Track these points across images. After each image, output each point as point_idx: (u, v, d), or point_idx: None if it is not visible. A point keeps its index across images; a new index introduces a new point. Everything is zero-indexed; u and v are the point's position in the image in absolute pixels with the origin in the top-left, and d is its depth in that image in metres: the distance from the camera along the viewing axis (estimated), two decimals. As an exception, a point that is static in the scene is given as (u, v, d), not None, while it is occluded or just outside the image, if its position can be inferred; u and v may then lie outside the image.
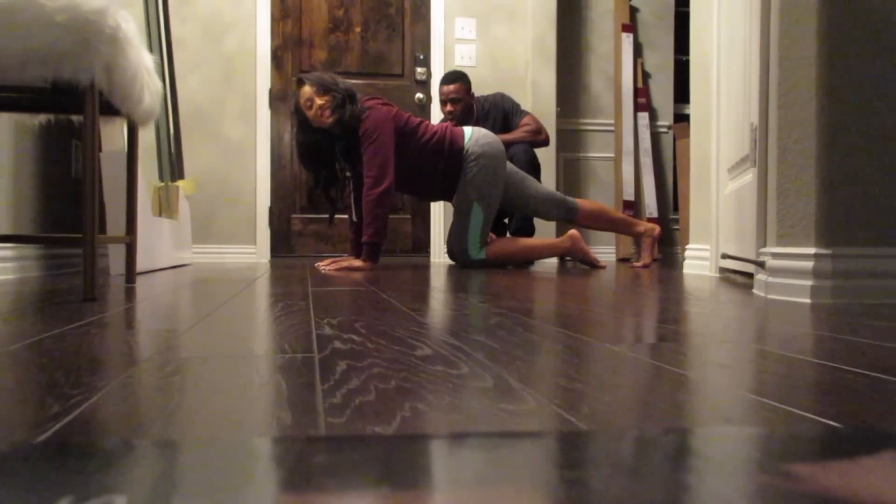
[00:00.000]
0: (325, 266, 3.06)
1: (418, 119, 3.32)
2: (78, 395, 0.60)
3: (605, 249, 4.78)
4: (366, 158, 3.10)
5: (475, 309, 1.38)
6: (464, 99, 3.75)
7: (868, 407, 0.57)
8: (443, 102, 3.79)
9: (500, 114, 3.86)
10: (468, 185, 3.32)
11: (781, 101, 1.68)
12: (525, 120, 3.84)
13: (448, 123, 3.47)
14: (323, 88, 3.12)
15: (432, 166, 3.31)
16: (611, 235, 4.79)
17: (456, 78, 3.76)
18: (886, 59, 1.61)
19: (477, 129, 3.41)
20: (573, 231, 3.48)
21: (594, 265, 3.47)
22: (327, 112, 3.12)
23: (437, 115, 4.21)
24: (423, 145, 3.26)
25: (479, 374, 0.71)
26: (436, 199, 3.58)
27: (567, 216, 3.45)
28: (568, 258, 3.79)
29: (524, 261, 3.49)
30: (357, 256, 3.25)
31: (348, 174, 3.40)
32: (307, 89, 3.13)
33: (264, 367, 0.74)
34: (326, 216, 3.52)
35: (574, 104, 4.85)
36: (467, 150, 3.32)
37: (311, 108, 3.13)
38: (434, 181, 3.36)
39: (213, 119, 4.27)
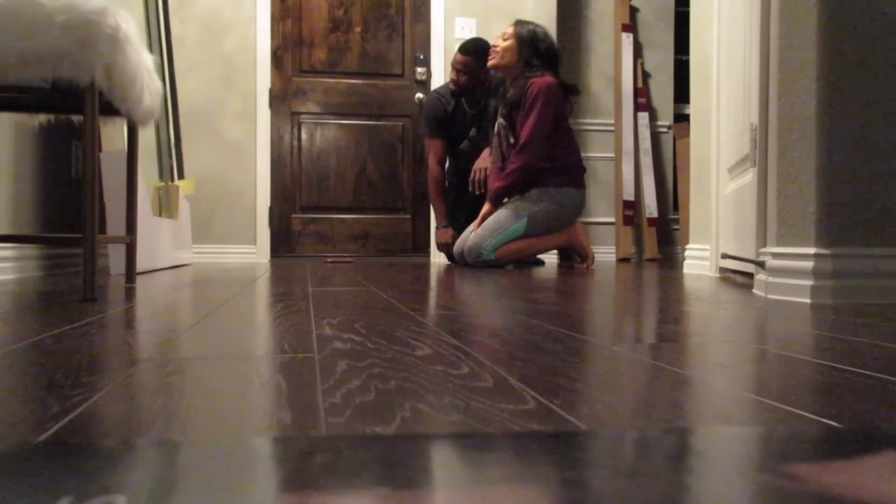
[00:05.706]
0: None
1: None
2: (78, 395, 0.60)
3: (604, 249, 4.78)
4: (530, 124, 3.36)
5: (475, 309, 1.38)
6: (473, 73, 3.71)
7: (868, 407, 0.57)
8: (453, 68, 3.78)
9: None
10: (539, 196, 3.37)
11: (781, 101, 1.68)
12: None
13: None
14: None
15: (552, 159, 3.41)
16: (611, 235, 4.79)
17: (473, 51, 3.70)
18: (886, 58, 1.61)
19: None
20: (577, 223, 3.50)
21: (584, 260, 3.51)
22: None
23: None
24: (571, 135, 3.57)
25: (479, 374, 0.71)
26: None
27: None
28: (565, 260, 3.79)
29: (528, 256, 3.49)
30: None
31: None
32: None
33: (264, 367, 0.74)
34: (327, 216, 3.54)
35: (574, 104, 4.84)
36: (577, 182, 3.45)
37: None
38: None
39: (213, 119, 4.27)
